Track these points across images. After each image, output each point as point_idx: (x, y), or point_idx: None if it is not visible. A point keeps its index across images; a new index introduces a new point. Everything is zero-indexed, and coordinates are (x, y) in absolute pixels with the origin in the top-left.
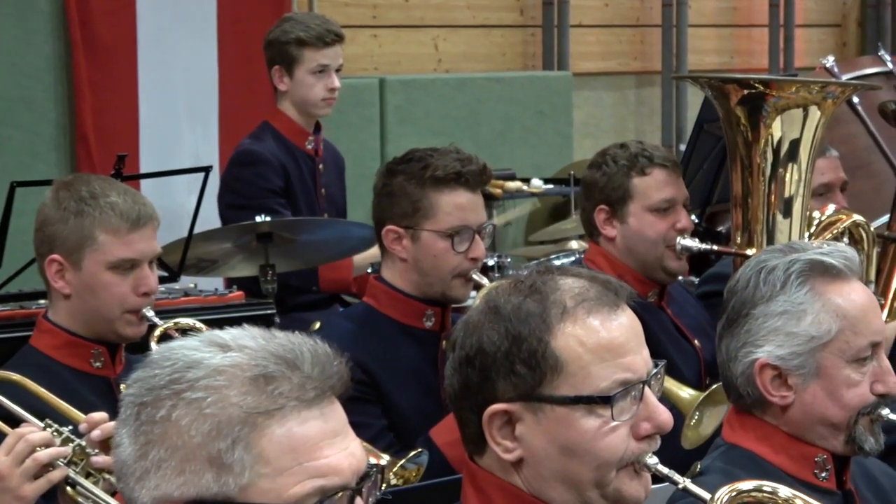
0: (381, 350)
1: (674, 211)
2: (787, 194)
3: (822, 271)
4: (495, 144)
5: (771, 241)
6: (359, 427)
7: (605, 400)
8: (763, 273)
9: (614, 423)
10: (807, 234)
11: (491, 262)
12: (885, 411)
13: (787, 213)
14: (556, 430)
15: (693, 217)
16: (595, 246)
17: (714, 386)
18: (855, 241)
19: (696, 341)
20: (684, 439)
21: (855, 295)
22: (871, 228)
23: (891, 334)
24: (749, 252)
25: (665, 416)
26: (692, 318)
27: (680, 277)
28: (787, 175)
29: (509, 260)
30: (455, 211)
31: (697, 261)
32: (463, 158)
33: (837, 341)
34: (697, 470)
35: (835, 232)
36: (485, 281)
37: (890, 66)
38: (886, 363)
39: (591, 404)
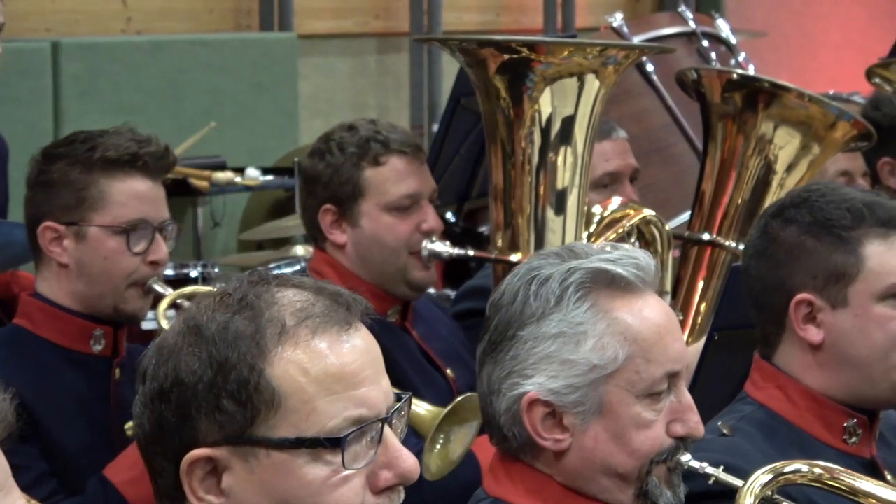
0: (39, 380)
1: (418, 208)
2: (559, 184)
3: (607, 283)
4: (201, 124)
5: (540, 243)
6: (14, 472)
7: (335, 443)
8: (534, 285)
9: (346, 473)
10: (585, 234)
11: (194, 274)
12: (686, 458)
13: (560, 207)
14: (273, 482)
15: (448, 215)
16: (321, 253)
17: (459, 398)
18: (646, 243)
19: (448, 370)
20: (426, 469)
21: (649, 312)
22: (667, 227)
23: (693, 360)
24: (513, 258)
25: (410, 462)
26: (444, 342)
27: (431, 290)
28: (560, 161)
29: (217, 270)
30: (130, 201)
31: (454, 270)
32: (140, 139)
33: (626, 371)
34: None
35: (620, 231)
36: (168, 291)
37: (692, 25)
38: (687, 398)
39: (317, 448)
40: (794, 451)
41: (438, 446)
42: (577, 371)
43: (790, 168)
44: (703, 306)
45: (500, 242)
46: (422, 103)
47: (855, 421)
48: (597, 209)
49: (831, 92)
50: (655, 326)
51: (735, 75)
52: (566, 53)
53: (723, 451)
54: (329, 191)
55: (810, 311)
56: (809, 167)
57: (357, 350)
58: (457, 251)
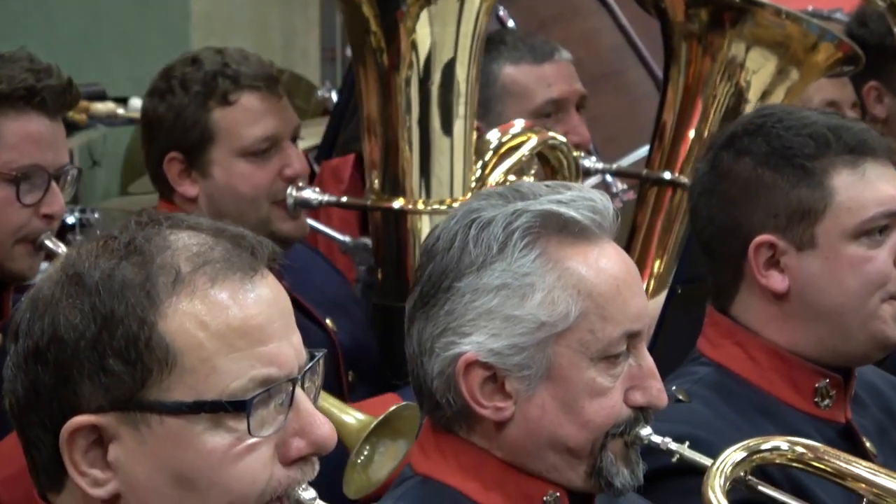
0: None
1: (278, 151)
2: (443, 116)
3: (558, 228)
4: (77, 50)
5: (427, 181)
6: None
7: (239, 406)
8: (474, 229)
9: (252, 441)
10: (479, 164)
11: (71, 220)
12: (646, 431)
13: (445, 141)
14: (167, 453)
15: None
16: (169, 206)
17: (394, 406)
18: (552, 170)
19: (327, 320)
20: (347, 485)
21: (606, 262)
22: (575, 153)
23: (653, 317)
24: (395, 204)
25: (325, 429)
26: (321, 291)
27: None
28: (442, 90)
29: (97, 215)
30: (23, 144)
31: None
32: (38, 69)
33: (578, 330)
34: None
35: (520, 159)
36: (62, 248)
37: None
38: (649, 362)
39: (218, 413)
40: (758, 417)
41: (362, 459)
42: (523, 329)
43: (765, 96)
44: (663, 256)
45: (376, 185)
46: (334, 22)
47: (827, 381)
48: (493, 135)
49: (810, 8)
50: (613, 279)
51: None
52: None
53: (681, 420)
54: (173, 137)
55: (772, 255)
56: (787, 94)
57: (263, 300)
58: (327, 198)
